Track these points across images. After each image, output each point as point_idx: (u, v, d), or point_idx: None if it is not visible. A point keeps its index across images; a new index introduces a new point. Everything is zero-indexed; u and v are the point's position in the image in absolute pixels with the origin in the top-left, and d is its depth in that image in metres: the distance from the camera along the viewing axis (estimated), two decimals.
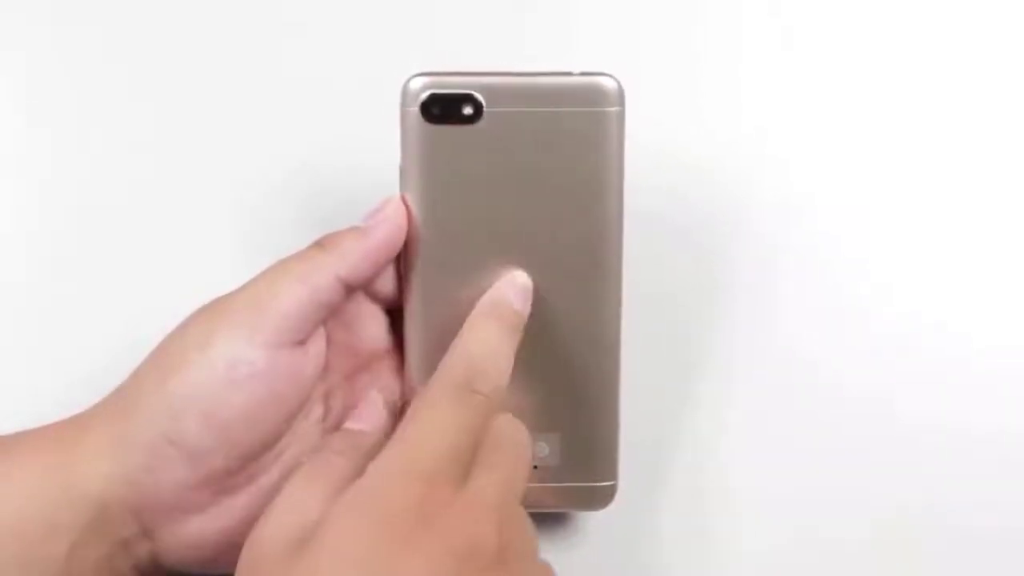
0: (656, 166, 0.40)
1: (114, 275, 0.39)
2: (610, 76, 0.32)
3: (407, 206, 0.33)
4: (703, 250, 0.40)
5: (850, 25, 0.41)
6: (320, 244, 0.32)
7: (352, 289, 0.32)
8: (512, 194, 0.32)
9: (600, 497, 0.34)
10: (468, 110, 0.32)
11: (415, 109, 0.32)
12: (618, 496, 0.35)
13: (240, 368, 0.30)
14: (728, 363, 0.39)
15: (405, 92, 0.32)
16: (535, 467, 0.33)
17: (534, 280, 0.33)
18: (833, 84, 0.41)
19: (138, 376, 0.31)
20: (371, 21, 0.41)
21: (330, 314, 0.32)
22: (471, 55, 0.38)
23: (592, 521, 0.38)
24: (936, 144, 0.40)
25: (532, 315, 0.33)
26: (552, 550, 0.37)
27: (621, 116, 0.32)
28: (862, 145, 0.40)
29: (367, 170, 0.38)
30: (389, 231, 0.32)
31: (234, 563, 0.32)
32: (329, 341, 0.33)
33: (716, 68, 0.41)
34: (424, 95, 0.32)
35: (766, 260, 0.40)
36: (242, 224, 0.39)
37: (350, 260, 0.32)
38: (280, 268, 0.32)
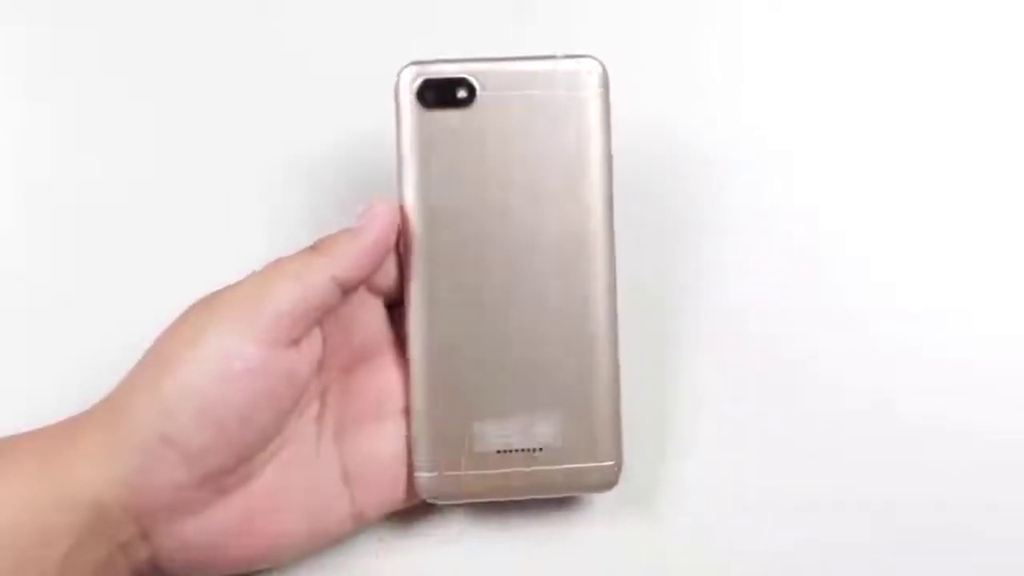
0: (655, 158, 0.40)
1: (114, 275, 0.39)
2: (593, 58, 0.34)
3: (404, 193, 0.34)
4: (703, 247, 0.39)
5: (852, 20, 0.41)
6: (314, 246, 0.32)
7: (348, 290, 0.33)
8: (505, 176, 0.34)
9: (605, 477, 0.35)
10: (462, 93, 0.33)
11: (410, 96, 0.33)
12: (617, 497, 0.35)
13: (234, 364, 0.30)
14: (728, 362, 0.39)
15: (399, 80, 0.33)
16: (540, 450, 0.34)
17: (527, 261, 0.34)
18: (836, 82, 0.41)
19: (131, 377, 0.31)
20: (370, 17, 0.41)
21: (325, 315, 0.33)
22: (469, 43, 0.39)
23: (589, 528, 0.38)
24: (939, 142, 0.40)
25: (529, 297, 0.34)
26: (555, 541, 0.38)
27: (605, 98, 0.34)
28: (865, 142, 0.40)
29: (370, 166, 0.39)
30: (381, 230, 0.33)
31: (230, 566, 0.32)
32: (325, 336, 0.33)
33: (717, 61, 0.41)
34: (419, 81, 0.33)
35: (767, 259, 0.39)
36: (242, 224, 0.39)
37: (344, 262, 0.32)
38: (275, 267, 0.32)
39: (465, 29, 0.41)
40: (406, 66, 0.33)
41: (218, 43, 0.41)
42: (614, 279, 0.34)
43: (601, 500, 0.37)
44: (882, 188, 0.40)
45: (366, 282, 0.34)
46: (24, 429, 0.32)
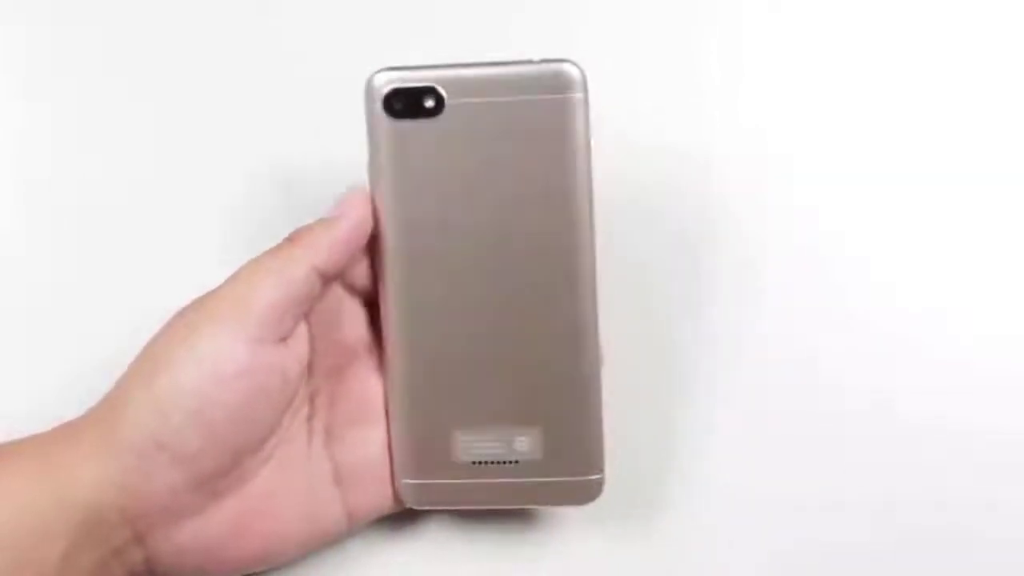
0: (651, 161, 0.40)
1: (114, 275, 0.39)
2: (571, 62, 0.32)
3: (376, 202, 0.33)
4: (703, 248, 0.39)
5: (852, 21, 0.41)
6: (291, 239, 0.33)
7: (328, 279, 0.33)
8: (479, 185, 0.33)
9: (587, 491, 0.34)
10: (430, 103, 0.32)
11: (378, 105, 0.32)
12: (616, 497, 0.35)
13: (226, 365, 0.30)
14: (728, 362, 0.39)
15: (368, 88, 0.32)
16: (516, 462, 0.34)
17: (506, 271, 0.33)
18: (836, 83, 0.41)
19: (125, 380, 0.31)
20: (372, 18, 0.41)
21: (310, 307, 0.33)
22: (466, 46, 0.39)
23: (581, 529, 0.38)
24: (939, 142, 0.40)
25: (507, 308, 0.33)
26: (549, 540, 0.38)
27: (584, 102, 0.32)
28: (865, 143, 0.40)
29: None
30: (356, 219, 0.33)
31: (225, 569, 0.32)
32: (312, 340, 0.33)
33: (717, 63, 0.41)
34: (386, 90, 0.32)
35: (767, 258, 0.39)
36: (243, 223, 0.39)
37: (322, 251, 0.32)
38: (256, 265, 0.32)
39: (462, 31, 0.41)
40: (376, 72, 0.32)
41: (218, 43, 0.41)
42: (594, 285, 0.33)
43: (599, 500, 0.37)
44: (882, 188, 0.40)
45: (348, 279, 0.34)
46: (24, 429, 0.32)
